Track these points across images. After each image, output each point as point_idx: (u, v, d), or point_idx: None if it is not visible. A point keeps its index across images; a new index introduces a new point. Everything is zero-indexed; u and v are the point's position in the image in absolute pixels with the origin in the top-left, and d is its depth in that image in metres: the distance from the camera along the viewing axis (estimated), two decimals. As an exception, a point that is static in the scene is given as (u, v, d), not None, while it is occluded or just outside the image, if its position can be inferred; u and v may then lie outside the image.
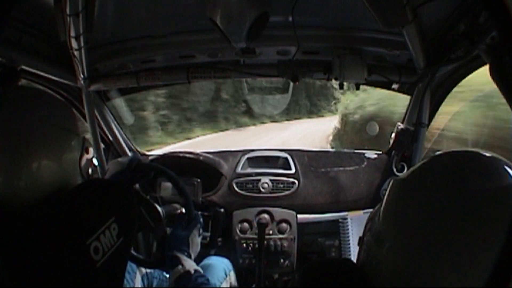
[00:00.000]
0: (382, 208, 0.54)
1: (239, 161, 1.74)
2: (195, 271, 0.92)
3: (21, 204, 0.58)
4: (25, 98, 0.65)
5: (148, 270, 1.20)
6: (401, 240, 0.48)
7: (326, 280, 0.56)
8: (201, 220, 1.10)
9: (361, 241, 0.60)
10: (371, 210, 1.45)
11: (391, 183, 0.56)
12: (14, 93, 0.67)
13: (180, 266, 0.92)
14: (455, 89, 1.43)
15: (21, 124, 0.60)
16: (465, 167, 0.49)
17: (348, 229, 1.62)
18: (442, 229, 0.45)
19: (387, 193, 0.55)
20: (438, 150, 0.57)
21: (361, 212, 1.62)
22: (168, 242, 1.00)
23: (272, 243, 1.58)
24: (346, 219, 1.62)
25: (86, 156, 0.72)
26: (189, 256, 0.98)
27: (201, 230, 1.08)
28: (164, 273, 1.26)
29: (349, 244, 1.62)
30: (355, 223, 1.62)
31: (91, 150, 0.74)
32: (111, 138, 1.70)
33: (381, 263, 0.51)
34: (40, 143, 0.61)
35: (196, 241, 1.04)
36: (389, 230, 0.51)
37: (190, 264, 0.93)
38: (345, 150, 1.87)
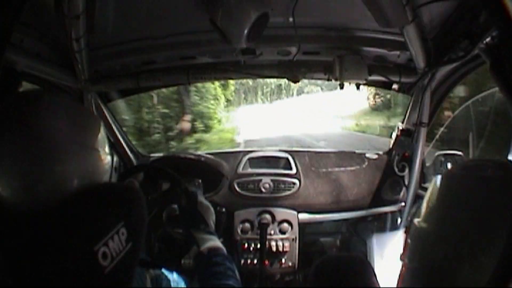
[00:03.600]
0: (427, 203, 0.57)
1: (240, 161, 1.74)
2: (209, 250, 0.87)
3: (33, 210, 0.58)
4: (49, 109, 0.64)
5: (156, 273, 1.20)
6: (445, 233, 0.52)
7: (339, 275, 0.57)
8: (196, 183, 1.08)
9: (408, 230, 0.62)
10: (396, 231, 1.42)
11: (437, 179, 0.59)
12: (39, 104, 0.66)
13: (195, 247, 0.89)
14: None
15: (50, 132, 0.61)
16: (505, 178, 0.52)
17: (373, 252, 1.53)
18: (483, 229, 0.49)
19: (431, 188, 0.59)
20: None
21: (385, 234, 1.58)
22: (181, 225, 0.97)
23: (273, 243, 1.58)
24: (371, 240, 1.56)
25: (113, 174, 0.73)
26: (207, 226, 0.95)
27: (200, 192, 1.06)
28: (170, 274, 1.26)
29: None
30: (379, 245, 1.54)
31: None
32: (112, 140, 1.70)
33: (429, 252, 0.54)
34: (62, 157, 0.62)
35: (204, 205, 1.01)
36: (433, 223, 0.55)
37: (205, 243, 0.89)
38: (346, 150, 1.87)
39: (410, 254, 0.59)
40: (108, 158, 0.73)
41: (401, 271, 0.62)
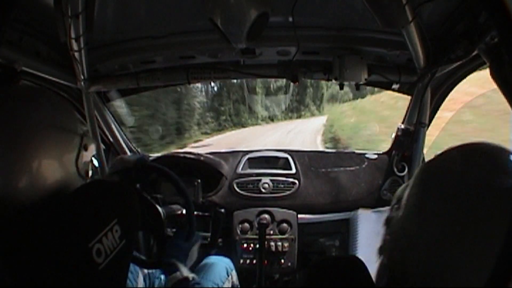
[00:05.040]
0: (404, 200, 0.54)
1: (239, 161, 1.74)
2: (193, 278, 0.97)
3: (21, 204, 0.58)
4: (21, 97, 0.64)
5: (150, 271, 1.20)
6: (424, 232, 0.48)
7: (333, 277, 0.56)
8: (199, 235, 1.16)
9: (387, 223, 0.59)
10: (380, 209, 1.42)
11: (417, 172, 0.56)
12: (12, 92, 0.66)
13: (178, 273, 0.96)
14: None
15: (18, 124, 0.60)
16: (486, 162, 0.48)
17: (357, 226, 1.59)
18: (463, 223, 0.45)
19: (413, 180, 0.54)
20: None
21: (370, 211, 1.60)
22: (168, 249, 1.04)
23: (272, 243, 1.57)
24: (356, 215, 1.60)
25: (84, 154, 0.70)
26: (184, 266, 1.02)
27: (199, 243, 1.14)
28: (165, 274, 1.26)
29: (356, 241, 1.59)
30: (363, 221, 1.59)
31: (91, 147, 0.73)
32: (111, 139, 1.70)
33: (406, 251, 0.51)
34: (37, 143, 0.61)
35: (195, 254, 1.11)
36: (412, 222, 0.51)
37: (187, 271, 0.98)
38: (346, 151, 1.87)
39: (388, 251, 0.57)
40: (91, 147, 0.73)
41: (379, 267, 0.60)
